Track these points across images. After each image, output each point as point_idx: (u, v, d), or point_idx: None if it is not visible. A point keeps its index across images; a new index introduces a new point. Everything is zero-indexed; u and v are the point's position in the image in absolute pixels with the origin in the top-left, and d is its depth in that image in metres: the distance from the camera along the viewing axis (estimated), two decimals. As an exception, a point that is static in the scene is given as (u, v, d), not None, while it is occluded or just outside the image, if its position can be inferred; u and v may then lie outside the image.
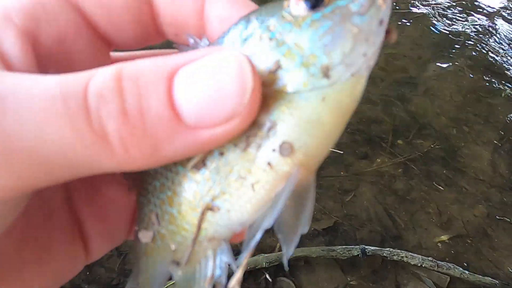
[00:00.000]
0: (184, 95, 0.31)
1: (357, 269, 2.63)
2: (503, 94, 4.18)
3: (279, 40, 0.34)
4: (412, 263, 2.56)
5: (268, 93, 0.34)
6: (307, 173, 0.37)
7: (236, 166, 0.36)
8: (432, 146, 3.69)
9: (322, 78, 0.33)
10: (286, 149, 0.35)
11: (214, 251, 0.42)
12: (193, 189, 0.39)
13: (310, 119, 0.34)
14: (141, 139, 0.31)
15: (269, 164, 0.36)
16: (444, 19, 5.08)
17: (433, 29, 4.92)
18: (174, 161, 0.36)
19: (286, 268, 2.52)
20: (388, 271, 2.64)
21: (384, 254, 2.57)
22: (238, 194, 0.38)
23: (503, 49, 4.68)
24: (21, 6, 0.36)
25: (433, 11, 5.17)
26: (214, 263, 0.43)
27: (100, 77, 0.31)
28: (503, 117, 3.97)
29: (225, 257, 0.43)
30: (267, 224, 0.36)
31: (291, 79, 0.34)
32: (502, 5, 5.33)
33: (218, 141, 0.32)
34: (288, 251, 0.37)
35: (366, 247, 2.56)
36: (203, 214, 0.39)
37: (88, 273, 2.36)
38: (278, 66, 0.34)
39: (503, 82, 4.29)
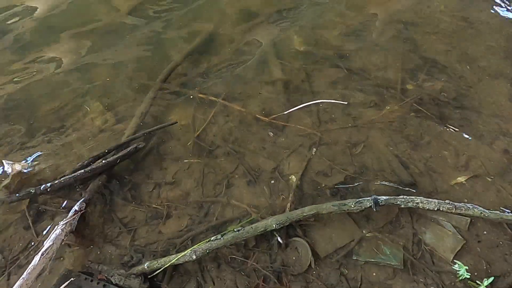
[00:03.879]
0: None
1: (372, 221, 2.55)
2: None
3: None
4: (429, 208, 2.45)
5: None
6: None
7: None
8: (443, 84, 3.48)
9: None
10: None
11: None
12: None
13: None
14: None
15: None
16: None
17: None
18: None
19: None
20: (405, 220, 2.55)
21: (398, 203, 2.47)
22: None
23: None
24: None
25: None
26: None
27: None
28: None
29: None
30: None
31: None
32: None
33: None
34: None
35: (378, 197, 2.46)
36: None
37: (98, 252, 2.37)
38: None
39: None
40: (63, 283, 2.14)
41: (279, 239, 2.38)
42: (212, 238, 2.29)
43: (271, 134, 3.07)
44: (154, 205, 2.61)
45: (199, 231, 2.48)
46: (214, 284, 2.25)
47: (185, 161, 2.87)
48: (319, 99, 3.33)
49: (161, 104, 3.33)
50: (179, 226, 2.51)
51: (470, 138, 3.04)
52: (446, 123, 3.15)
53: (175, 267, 2.30)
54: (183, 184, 2.74)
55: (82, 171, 2.60)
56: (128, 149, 2.77)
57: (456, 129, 3.11)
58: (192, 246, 2.31)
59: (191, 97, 3.38)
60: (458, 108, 3.29)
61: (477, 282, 2.21)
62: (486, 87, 3.48)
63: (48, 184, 2.52)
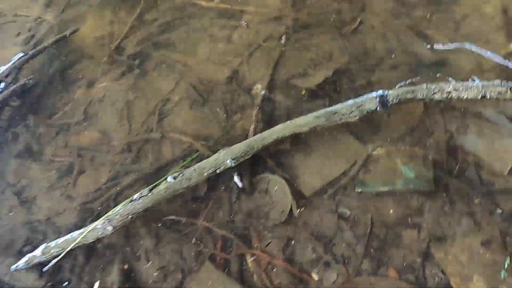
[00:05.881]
0: None
1: (382, 131, 1.68)
2: None
3: None
4: (468, 97, 1.54)
5: None
6: None
7: None
8: None
9: None
10: None
11: None
12: None
13: None
14: None
15: None
16: None
17: None
18: None
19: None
20: (433, 120, 1.66)
21: (419, 96, 1.56)
22: None
23: None
24: None
25: None
26: None
27: None
28: None
29: None
30: None
31: None
32: None
33: None
34: None
35: (387, 92, 1.55)
36: None
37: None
38: None
39: None
40: None
41: (237, 181, 1.56)
42: (135, 197, 1.49)
43: (244, 23, 2.11)
44: (59, 158, 1.79)
45: (126, 185, 1.68)
46: (148, 261, 1.50)
47: (100, 85, 1.98)
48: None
49: (69, 12, 2.37)
50: (97, 183, 1.71)
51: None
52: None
53: (90, 244, 1.54)
54: (100, 120, 1.89)
55: None
56: (10, 89, 1.89)
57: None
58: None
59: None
60: None
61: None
62: None
63: None
